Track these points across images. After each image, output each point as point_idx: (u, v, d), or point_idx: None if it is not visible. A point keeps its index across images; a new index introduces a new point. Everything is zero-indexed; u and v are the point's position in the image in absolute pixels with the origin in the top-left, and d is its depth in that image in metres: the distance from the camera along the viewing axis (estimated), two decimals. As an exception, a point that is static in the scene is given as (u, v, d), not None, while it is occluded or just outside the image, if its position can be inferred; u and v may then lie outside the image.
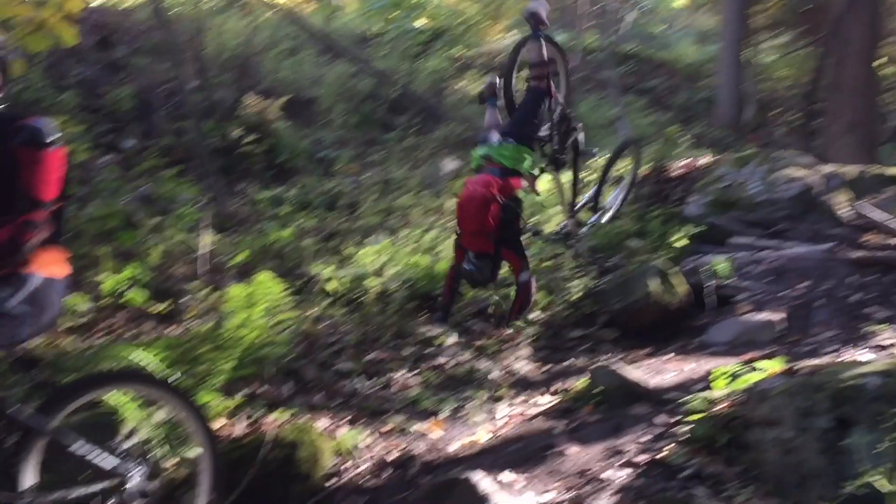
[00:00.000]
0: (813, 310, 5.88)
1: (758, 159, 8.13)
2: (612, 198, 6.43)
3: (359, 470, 4.04)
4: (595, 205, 6.30)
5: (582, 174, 6.39)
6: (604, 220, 6.53)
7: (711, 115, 14.96)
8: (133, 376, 3.38)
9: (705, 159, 9.05)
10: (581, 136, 5.85)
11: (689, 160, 9.02)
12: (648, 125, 14.58)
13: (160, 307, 5.45)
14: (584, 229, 6.42)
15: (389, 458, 4.18)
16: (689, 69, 17.75)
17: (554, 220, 7.29)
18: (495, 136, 5.11)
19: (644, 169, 8.87)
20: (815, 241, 6.80)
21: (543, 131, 5.49)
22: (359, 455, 4.15)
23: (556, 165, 5.79)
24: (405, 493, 3.87)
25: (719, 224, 7.40)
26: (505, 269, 5.13)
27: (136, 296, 5.39)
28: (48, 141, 2.85)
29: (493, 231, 4.76)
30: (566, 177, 6.27)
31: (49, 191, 2.85)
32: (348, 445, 4.14)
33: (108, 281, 5.45)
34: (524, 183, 5.09)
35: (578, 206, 6.20)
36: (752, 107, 15.37)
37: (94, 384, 3.14)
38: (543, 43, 5.23)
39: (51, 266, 2.95)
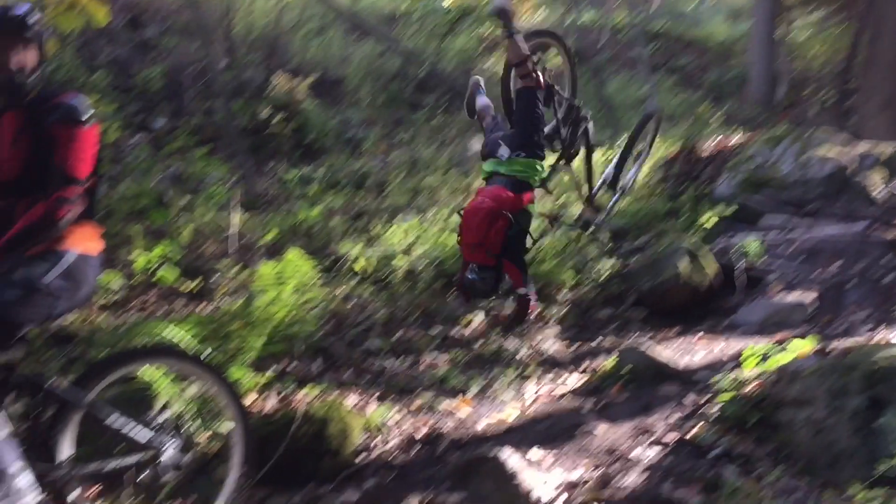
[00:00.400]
0: (845, 290, 5.81)
1: (790, 138, 8.01)
2: (631, 174, 6.32)
3: (388, 446, 4.07)
4: (615, 183, 6.20)
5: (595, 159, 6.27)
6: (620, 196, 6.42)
7: (743, 94, 14.75)
8: (166, 352, 3.43)
9: (737, 138, 8.94)
10: (591, 126, 5.69)
11: (720, 139, 8.91)
12: (678, 104, 14.43)
13: (191, 285, 5.50)
14: (605, 215, 6.31)
15: (418, 435, 4.21)
16: (720, 47, 17.48)
17: (573, 208, 7.23)
18: (504, 150, 4.85)
19: (673, 148, 8.79)
20: (848, 221, 6.70)
21: (549, 128, 5.40)
22: (388, 431, 4.18)
23: (567, 160, 5.70)
24: (434, 469, 3.89)
25: (750, 204, 7.32)
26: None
27: (168, 274, 5.45)
28: (83, 118, 2.88)
29: (494, 246, 4.56)
30: (579, 165, 6.20)
31: (83, 168, 2.88)
32: (377, 422, 4.17)
33: (140, 259, 5.51)
34: (535, 195, 4.92)
35: (595, 190, 6.11)
36: (784, 85, 15.13)
37: (129, 359, 3.19)
38: (518, 39, 5.06)
39: (85, 242, 2.98)
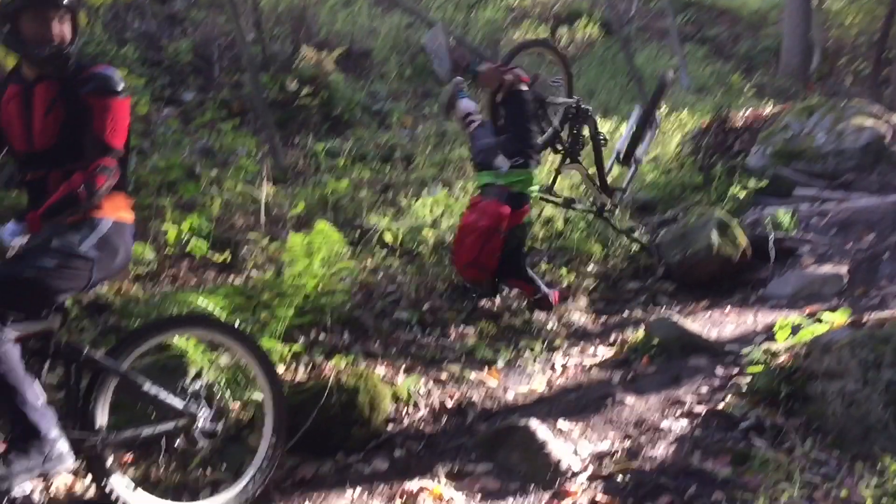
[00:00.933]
0: (879, 263, 5.73)
1: (824, 109, 7.88)
2: (644, 145, 6.30)
3: (417, 416, 4.10)
4: (628, 157, 6.16)
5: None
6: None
7: (776, 64, 14.50)
8: (199, 321, 3.47)
9: (769, 109, 8.81)
10: (595, 118, 5.72)
11: (752, 110, 8.78)
12: (710, 75, 14.25)
13: (221, 257, 5.55)
14: (624, 192, 6.27)
15: (447, 405, 4.23)
16: (752, 16, 17.21)
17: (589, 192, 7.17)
18: (503, 162, 4.65)
19: (705, 119, 8.69)
20: (883, 193, 6.60)
21: (548, 135, 5.32)
22: (417, 402, 4.20)
23: (573, 158, 5.66)
24: (462, 439, 3.91)
25: (783, 175, 7.23)
26: None
27: (199, 245, 5.50)
28: (118, 89, 2.91)
29: (487, 264, 4.48)
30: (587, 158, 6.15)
31: (119, 138, 2.92)
32: (406, 392, 4.20)
33: (171, 231, 5.56)
34: (531, 206, 4.82)
35: (607, 171, 6.08)
36: (818, 55, 14.86)
37: (163, 328, 3.23)
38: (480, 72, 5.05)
39: (119, 211, 3.02)
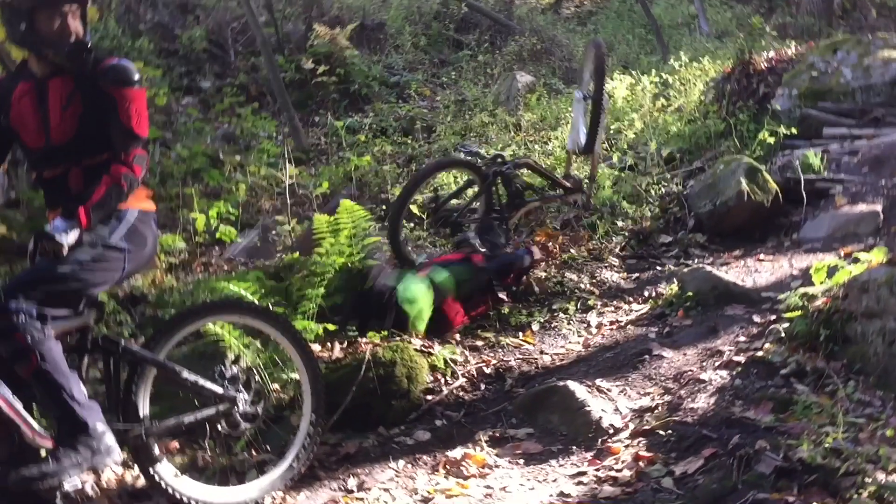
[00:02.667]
0: (915, 198, 5.62)
1: (849, 45, 7.68)
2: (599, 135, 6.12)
3: (456, 384, 4.11)
4: (589, 147, 6.03)
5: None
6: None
7: (798, 2, 14.13)
8: (232, 305, 3.48)
9: (793, 49, 8.61)
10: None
11: (775, 52, 8.59)
12: (729, 19, 13.95)
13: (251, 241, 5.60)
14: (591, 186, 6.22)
15: (485, 372, 4.24)
16: (771, -45, 16.76)
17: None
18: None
19: (727, 65, 8.52)
20: (915, 127, 6.45)
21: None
22: (455, 370, 4.21)
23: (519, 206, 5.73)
24: (502, 404, 3.93)
25: (811, 116, 7.07)
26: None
27: (227, 232, 5.54)
28: (136, 79, 2.93)
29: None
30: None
31: (144, 126, 2.97)
32: (444, 361, 4.20)
33: (200, 219, 5.61)
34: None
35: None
36: (841, -11, 14.46)
37: (197, 315, 3.25)
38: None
39: (142, 201, 3.06)
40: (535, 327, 4.78)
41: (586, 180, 6.17)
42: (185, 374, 3.06)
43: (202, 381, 3.09)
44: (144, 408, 3.00)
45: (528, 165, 5.91)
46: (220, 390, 3.12)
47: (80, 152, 2.91)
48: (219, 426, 3.10)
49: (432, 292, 4.58)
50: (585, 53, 6.28)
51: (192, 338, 3.46)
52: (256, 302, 3.84)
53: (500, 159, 5.61)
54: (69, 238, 2.75)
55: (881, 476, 2.66)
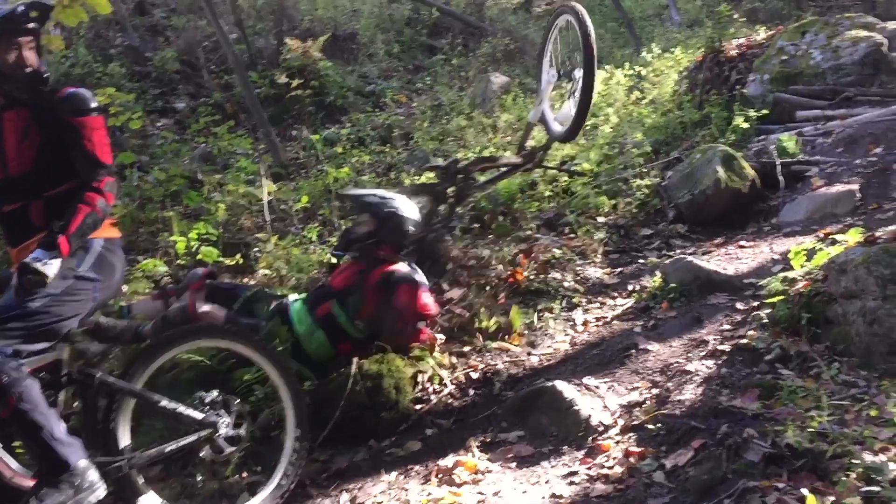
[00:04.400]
0: (890, 174, 5.65)
1: (817, 26, 7.72)
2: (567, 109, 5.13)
3: (445, 392, 4.11)
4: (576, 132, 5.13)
5: None
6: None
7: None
8: (205, 331, 3.44)
9: (762, 34, 8.66)
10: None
11: (745, 39, 8.63)
12: (700, 8, 14.02)
13: (233, 260, 5.57)
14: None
15: (473, 377, 4.24)
16: (737, -59, 16.84)
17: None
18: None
19: (698, 54, 8.56)
20: (885, 104, 6.48)
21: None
22: (443, 378, 4.21)
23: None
24: (492, 408, 3.93)
25: (783, 100, 7.11)
26: None
27: (209, 252, 5.52)
28: (95, 107, 2.92)
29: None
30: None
31: (108, 153, 2.97)
32: (431, 370, 4.20)
33: (180, 242, 5.59)
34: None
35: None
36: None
37: (174, 342, 3.22)
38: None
39: (107, 229, 3.04)
40: (522, 328, 4.77)
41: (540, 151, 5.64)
42: (165, 402, 3.04)
43: (182, 409, 3.07)
44: (125, 439, 2.97)
45: (479, 164, 5.53)
46: (200, 416, 3.10)
47: (40, 184, 2.90)
48: (202, 453, 3.08)
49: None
50: (552, 21, 5.26)
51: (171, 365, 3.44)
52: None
53: (451, 170, 5.23)
54: (53, 269, 2.73)
55: (868, 456, 2.67)
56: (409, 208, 4.58)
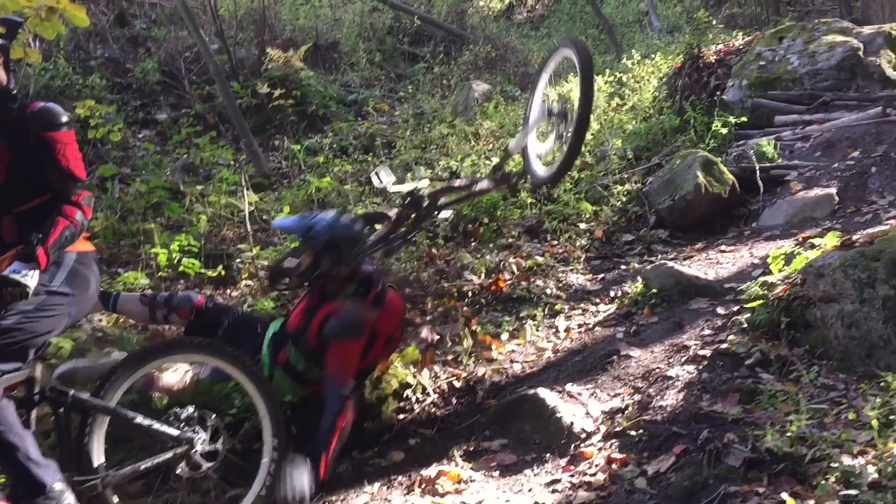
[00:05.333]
0: (868, 178, 5.71)
1: (794, 31, 7.80)
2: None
3: (428, 401, 4.11)
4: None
5: None
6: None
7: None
8: (181, 345, 3.40)
9: (740, 40, 8.73)
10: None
11: (723, 44, 8.71)
12: (679, 14, 14.14)
13: (215, 272, 5.55)
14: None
15: (456, 386, 4.24)
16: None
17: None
18: None
19: (677, 61, 8.62)
20: (862, 108, 6.55)
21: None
22: (426, 387, 4.21)
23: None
24: (475, 417, 3.93)
25: (762, 104, 7.18)
26: None
27: (191, 264, 5.50)
28: (66, 121, 2.91)
29: None
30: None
31: (82, 168, 2.95)
32: (413, 379, 4.20)
33: (162, 254, 5.57)
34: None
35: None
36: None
37: (149, 357, 3.17)
38: None
39: (80, 243, 3.02)
40: (504, 336, 4.78)
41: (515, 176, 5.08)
42: (140, 419, 3.00)
43: (157, 425, 3.03)
44: (99, 457, 2.93)
45: (447, 192, 4.81)
46: (175, 433, 3.06)
47: (11, 200, 2.88)
48: (179, 469, 3.06)
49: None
50: (552, 53, 4.90)
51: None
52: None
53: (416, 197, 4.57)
54: (33, 281, 2.71)
55: (847, 460, 2.69)
56: (345, 228, 3.95)
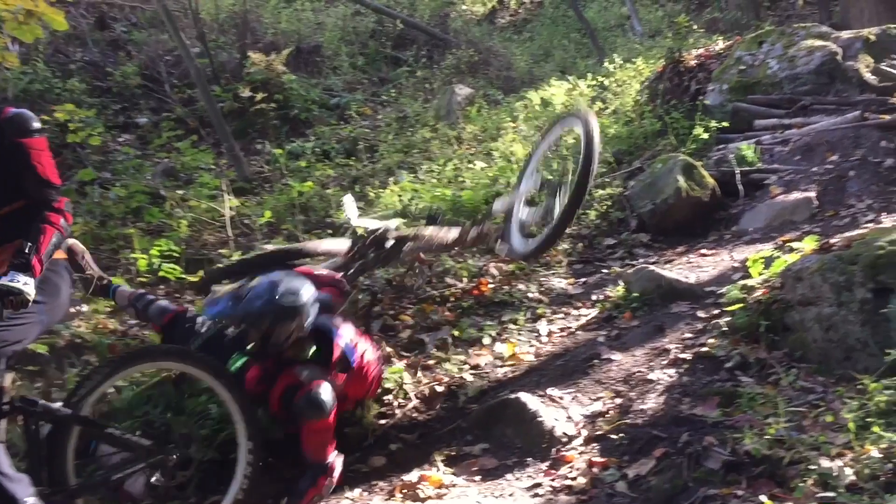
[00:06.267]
0: (846, 182, 5.76)
1: (774, 36, 7.85)
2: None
3: (409, 406, 4.10)
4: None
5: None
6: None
7: (726, -1, 14.46)
8: (152, 353, 3.36)
9: (720, 45, 8.79)
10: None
11: (703, 49, 8.76)
12: (661, 18, 14.21)
13: (196, 277, 5.51)
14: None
15: (438, 390, 4.23)
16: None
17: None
18: None
19: (658, 65, 8.66)
20: (841, 112, 6.60)
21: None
22: (408, 391, 4.20)
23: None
24: (457, 421, 3.93)
25: (742, 109, 7.22)
26: None
27: (171, 270, 5.46)
28: (39, 127, 2.89)
29: None
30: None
31: (56, 174, 2.93)
32: (395, 384, 4.19)
33: (142, 259, 5.53)
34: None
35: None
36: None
37: (118, 367, 3.12)
38: None
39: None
40: (487, 340, 4.77)
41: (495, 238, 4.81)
42: (111, 429, 2.98)
43: (128, 436, 3.00)
44: (70, 469, 2.88)
45: (413, 239, 4.66)
46: (148, 442, 3.03)
47: None
48: (153, 479, 3.02)
49: None
50: (555, 122, 4.46)
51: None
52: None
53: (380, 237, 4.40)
54: (32, 288, 2.72)
55: (824, 462, 2.71)
56: (286, 302, 3.46)
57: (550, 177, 4.27)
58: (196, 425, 3.38)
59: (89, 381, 3.02)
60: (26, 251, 2.76)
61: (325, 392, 3.41)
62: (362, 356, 3.72)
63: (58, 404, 2.96)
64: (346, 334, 3.72)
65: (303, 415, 3.36)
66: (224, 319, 3.64)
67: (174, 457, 3.08)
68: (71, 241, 3.63)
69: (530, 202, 4.45)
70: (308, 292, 3.54)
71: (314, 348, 3.61)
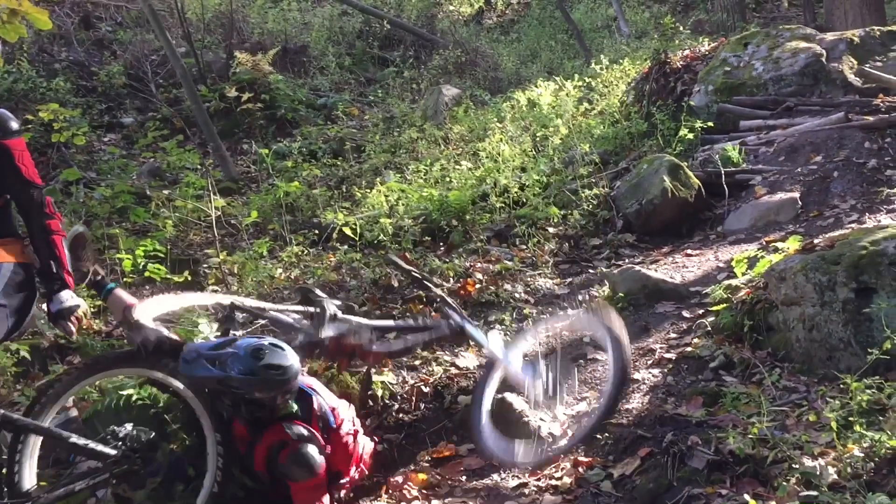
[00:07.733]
0: (830, 182, 5.79)
1: (759, 38, 7.89)
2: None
3: (395, 407, 4.09)
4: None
5: None
6: None
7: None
8: (120, 360, 3.23)
9: (706, 46, 8.83)
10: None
11: (689, 50, 8.79)
12: (647, 20, 14.26)
13: (181, 277, 5.49)
14: None
15: (424, 391, 4.23)
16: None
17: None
18: None
19: (644, 66, 8.69)
20: (825, 113, 6.64)
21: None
22: (394, 392, 4.19)
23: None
24: (443, 421, 3.94)
25: (727, 110, 7.25)
26: None
27: (156, 270, 5.44)
28: (20, 128, 2.88)
29: None
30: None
31: (36, 173, 2.92)
32: (382, 385, 4.18)
33: (127, 260, 5.50)
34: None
35: None
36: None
37: (84, 374, 3.05)
38: None
39: (15, 253, 2.94)
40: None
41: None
42: (75, 438, 2.90)
43: (93, 445, 2.93)
44: (31, 480, 2.82)
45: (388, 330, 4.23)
46: (114, 452, 2.97)
47: None
48: (121, 490, 2.96)
49: None
50: (570, 318, 4.04)
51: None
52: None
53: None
54: (79, 300, 2.93)
55: (807, 461, 2.72)
56: (271, 373, 3.11)
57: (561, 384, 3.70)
58: (162, 429, 3.28)
59: (52, 389, 2.95)
60: (54, 271, 2.90)
61: (312, 450, 3.19)
62: (342, 421, 3.41)
63: (17, 414, 2.89)
64: (325, 395, 3.50)
65: (290, 476, 3.16)
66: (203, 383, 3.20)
67: (139, 466, 3.01)
68: (81, 228, 3.70)
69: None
70: (291, 364, 3.19)
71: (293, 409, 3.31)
